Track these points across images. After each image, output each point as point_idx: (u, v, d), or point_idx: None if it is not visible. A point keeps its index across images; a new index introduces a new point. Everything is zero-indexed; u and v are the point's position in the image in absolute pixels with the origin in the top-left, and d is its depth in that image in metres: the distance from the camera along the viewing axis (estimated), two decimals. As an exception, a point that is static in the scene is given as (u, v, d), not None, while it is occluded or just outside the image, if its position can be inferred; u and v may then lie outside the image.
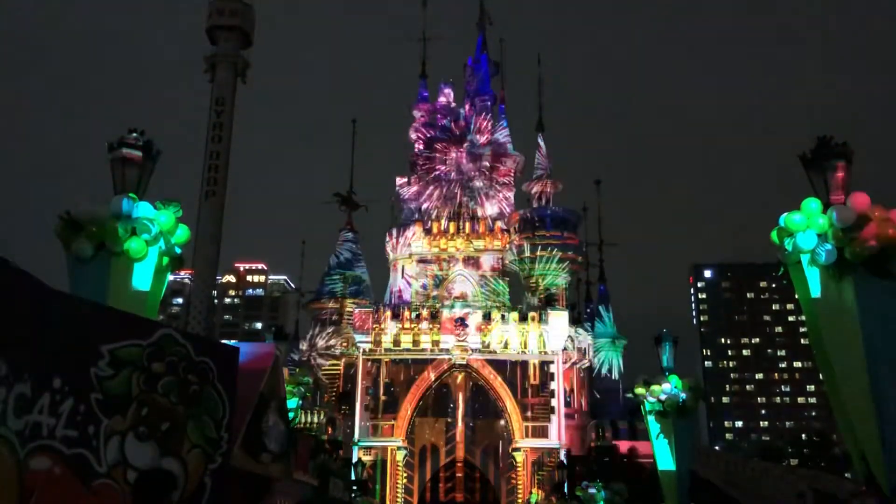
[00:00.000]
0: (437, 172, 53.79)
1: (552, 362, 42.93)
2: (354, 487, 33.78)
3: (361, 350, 43.47)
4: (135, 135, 9.48)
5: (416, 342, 43.10)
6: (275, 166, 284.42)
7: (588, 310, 55.37)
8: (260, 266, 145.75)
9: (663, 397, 16.64)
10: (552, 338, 43.14)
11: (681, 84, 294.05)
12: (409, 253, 50.44)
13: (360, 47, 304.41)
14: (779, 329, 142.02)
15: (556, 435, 41.62)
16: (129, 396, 4.77)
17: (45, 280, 4.65)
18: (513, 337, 43.04)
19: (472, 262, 49.00)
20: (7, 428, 4.16)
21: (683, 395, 16.65)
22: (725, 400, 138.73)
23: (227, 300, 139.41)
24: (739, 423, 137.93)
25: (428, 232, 51.18)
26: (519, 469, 41.43)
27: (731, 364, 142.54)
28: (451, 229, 51.46)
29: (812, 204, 8.52)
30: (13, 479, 4.15)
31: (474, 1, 59.49)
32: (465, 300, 44.74)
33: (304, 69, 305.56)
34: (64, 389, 4.47)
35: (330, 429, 38.04)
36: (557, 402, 42.21)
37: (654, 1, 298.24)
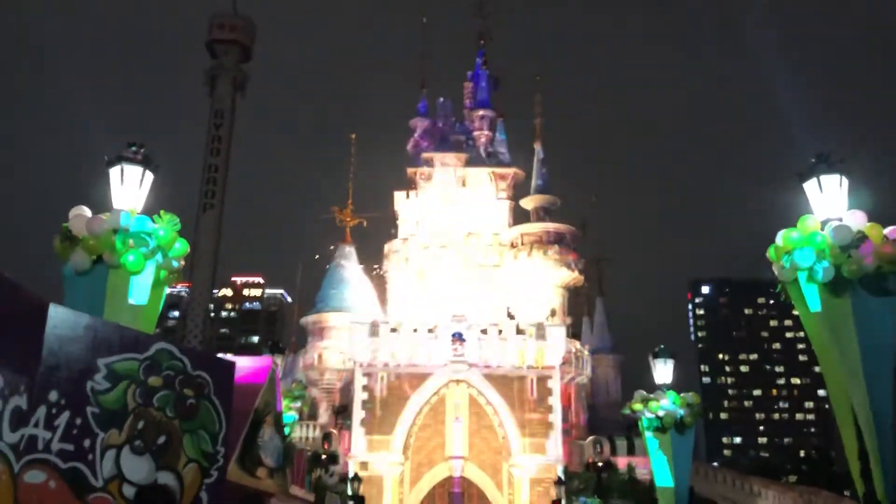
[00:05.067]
0: (435, 185, 53.91)
1: (550, 377, 42.80)
2: (351, 503, 33.60)
3: (358, 364, 43.35)
4: (133, 148, 9.52)
5: (413, 356, 42.99)
6: (273, 179, 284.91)
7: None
8: (257, 279, 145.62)
9: (661, 413, 16.61)
10: (550, 352, 43.06)
11: (683, 99, 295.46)
12: (406, 266, 50.44)
13: (362, 61, 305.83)
14: (777, 345, 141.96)
15: (554, 451, 41.44)
16: (125, 410, 4.76)
17: (42, 293, 4.65)
18: (511, 351, 42.96)
19: (469, 275, 48.98)
20: (2, 441, 4.15)
21: (681, 411, 16.62)
22: (723, 416, 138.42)
23: (224, 313, 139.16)
24: (738, 440, 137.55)
25: (425, 246, 51.23)
26: (516, 485, 41.22)
27: (729, 380, 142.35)
28: (448, 243, 51.53)
29: (809, 221, 8.56)
30: (8, 493, 4.14)
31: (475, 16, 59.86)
32: (462, 314, 44.64)
33: (304, 82, 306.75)
34: (60, 403, 4.46)
35: (326, 443, 37.89)
36: (555, 418, 42.05)
37: (659, 16, 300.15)
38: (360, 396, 42.79)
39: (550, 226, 51.00)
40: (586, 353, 49.14)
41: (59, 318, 4.59)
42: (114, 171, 9.47)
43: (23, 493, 4.19)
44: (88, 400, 4.60)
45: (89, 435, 4.55)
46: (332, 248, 55.95)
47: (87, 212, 9.07)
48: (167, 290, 9.77)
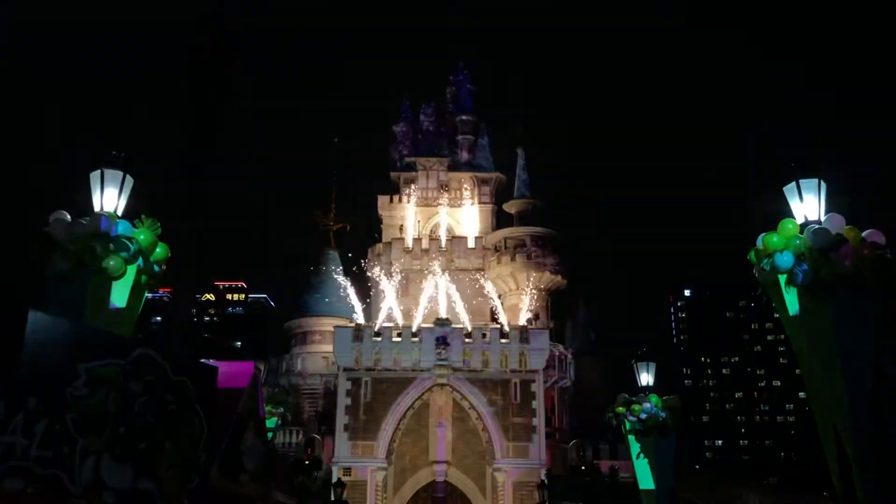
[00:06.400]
0: (418, 190, 53.94)
1: (534, 381, 42.85)
2: (334, 508, 33.39)
3: (342, 369, 43.19)
4: (114, 153, 9.45)
5: (396, 361, 42.89)
6: (256, 183, 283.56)
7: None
8: (240, 284, 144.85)
9: (644, 416, 16.69)
10: (534, 356, 43.11)
11: (668, 103, 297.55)
12: (390, 270, 50.37)
13: (345, 64, 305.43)
14: (758, 348, 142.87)
15: (538, 454, 41.47)
16: (105, 416, 4.71)
17: (21, 297, 4.60)
18: (494, 355, 42.96)
19: (452, 280, 48.99)
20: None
21: (663, 414, 16.71)
22: (705, 419, 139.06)
23: (207, 318, 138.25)
24: (719, 442, 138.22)
25: (408, 250, 51.22)
26: (500, 489, 41.20)
27: (710, 383, 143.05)
28: (432, 247, 51.55)
29: (789, 225, 8.64)
30: (-14, 501, 4.09)
31: (458, 21, 60.05)
32: (445, 318, 44.62)
33: (288, 85, 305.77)
34: (39, 409, 4.41)
35: (309, 449, 37.71)
36: (539, 421, 42.10)
37: (638, 21, 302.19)
38: (343, 401, 42.63)
39: (533, 229, 51.12)
40: (569, 356, 49.24)
41: (39, 323, 4.54)
42: (94, 176, 9.40)
43: (2, 500, 4.15)
44: (68, 406, 4.55)
45: (68, 442, 4.50)
46: (315, 252, 55.80)
47: (67, 216, 8.99)
48: (148, 295, 9.71)
